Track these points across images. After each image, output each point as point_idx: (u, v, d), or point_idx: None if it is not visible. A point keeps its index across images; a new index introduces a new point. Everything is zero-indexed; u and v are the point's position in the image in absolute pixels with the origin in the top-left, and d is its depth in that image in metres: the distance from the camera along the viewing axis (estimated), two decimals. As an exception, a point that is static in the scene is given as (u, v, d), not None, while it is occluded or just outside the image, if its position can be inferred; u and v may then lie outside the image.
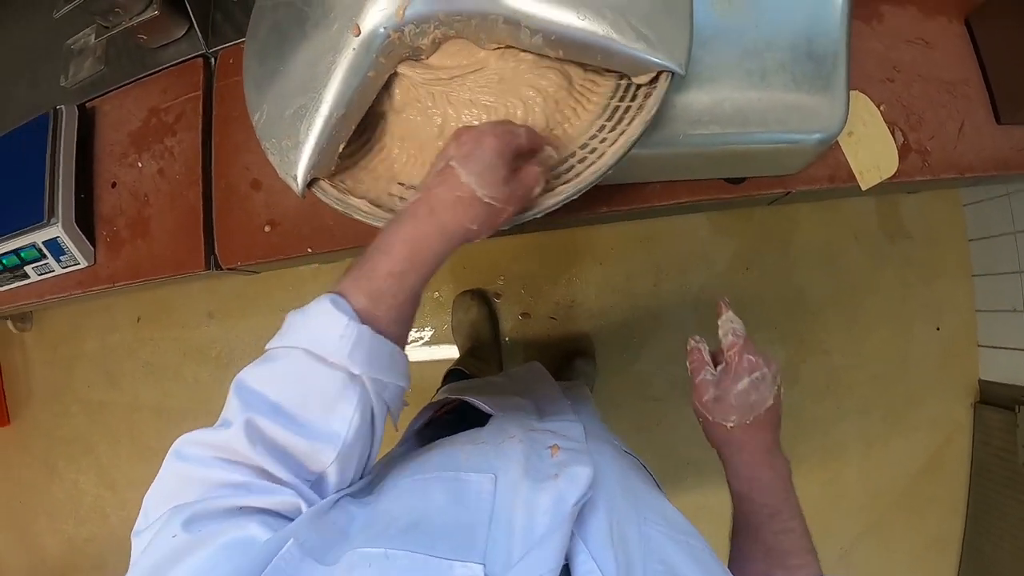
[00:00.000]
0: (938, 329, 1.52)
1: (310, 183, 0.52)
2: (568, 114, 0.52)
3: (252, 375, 0.39)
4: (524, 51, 0.52)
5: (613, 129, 0.50)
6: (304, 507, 0.35)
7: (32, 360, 1.81)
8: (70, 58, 0.99)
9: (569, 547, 0.33)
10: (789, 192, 0.78)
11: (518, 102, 0.52)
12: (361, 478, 0.42)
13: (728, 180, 0.75)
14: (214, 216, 0.86)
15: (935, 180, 0.80)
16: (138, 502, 0.34)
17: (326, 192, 0.53)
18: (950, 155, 0.80)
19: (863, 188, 0.77)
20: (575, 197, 0.49)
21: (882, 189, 0.79)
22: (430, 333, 1.62)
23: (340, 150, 0.52)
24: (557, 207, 0.49)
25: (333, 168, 0.53)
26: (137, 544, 0.33)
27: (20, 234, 0.87)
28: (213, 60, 0.91)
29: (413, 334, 1.62)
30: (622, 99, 0.51)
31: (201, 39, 0.89)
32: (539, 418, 0.57)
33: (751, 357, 0.50)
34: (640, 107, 0.48)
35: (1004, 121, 0.80)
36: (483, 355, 1.48)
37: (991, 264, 1.45)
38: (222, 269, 0.86)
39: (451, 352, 1.59)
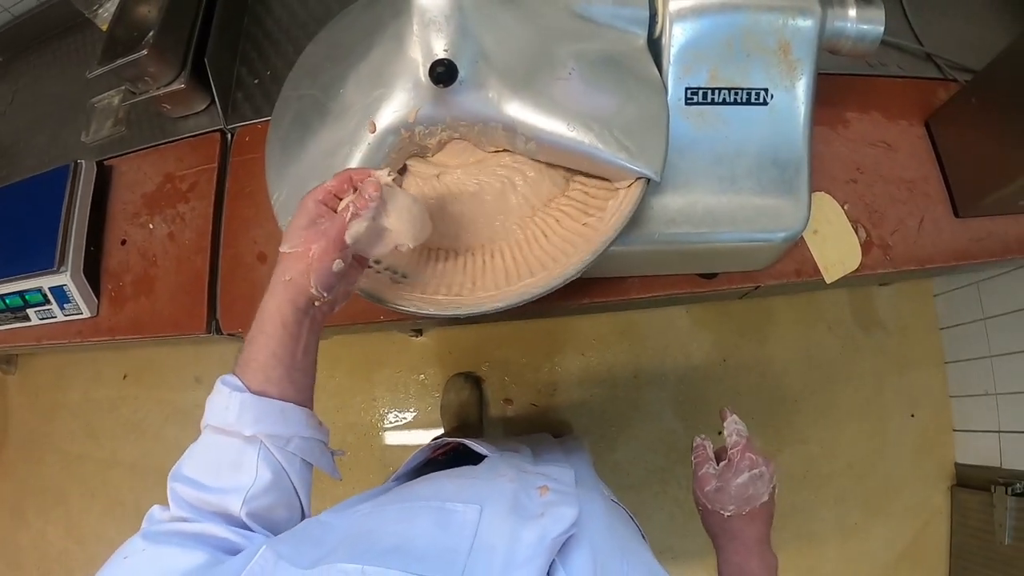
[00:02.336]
0: (913, 416, 1.56)
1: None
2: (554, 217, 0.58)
3: (182, 460, 0.44)
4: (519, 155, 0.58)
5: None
6: (231, 535, 0.39)
7: (12, 405, 1.79)
8: (92, 115, 1.05)
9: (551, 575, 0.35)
10: (758, 286, 0.83)
11: (508, 182, 0.57)
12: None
13: (702, 275, 0.81)
14: (219, 283, 0.90)
15: (897, 272, 0.86)
16: (105, 560, 0.36)
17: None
18: (911, 248, 0.86)
19: (828, 281, 0.83)
20: (560, 285, 0.53)
21: (848, 281, 0.85)
22: (413, 415, 1.64)
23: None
24: (549, 292, 0.53)
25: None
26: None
27: (28, 277, 0.90)
28: (230, 136, 0.97)
29: (395, 416, 1.64)
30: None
31: (221, 115, 0.96)
32: (533, 462, 0.60)
33: (752, 456, 0.56)
34: (617, 209, 0.53)
35: (962, 215, 0.86)
36: (468, 436, 1.50)
37: (962, 351, 1.51)
38: (222, 334, 0.88)
39: (430, 437, 1.61)
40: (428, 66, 0.50)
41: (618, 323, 1.63)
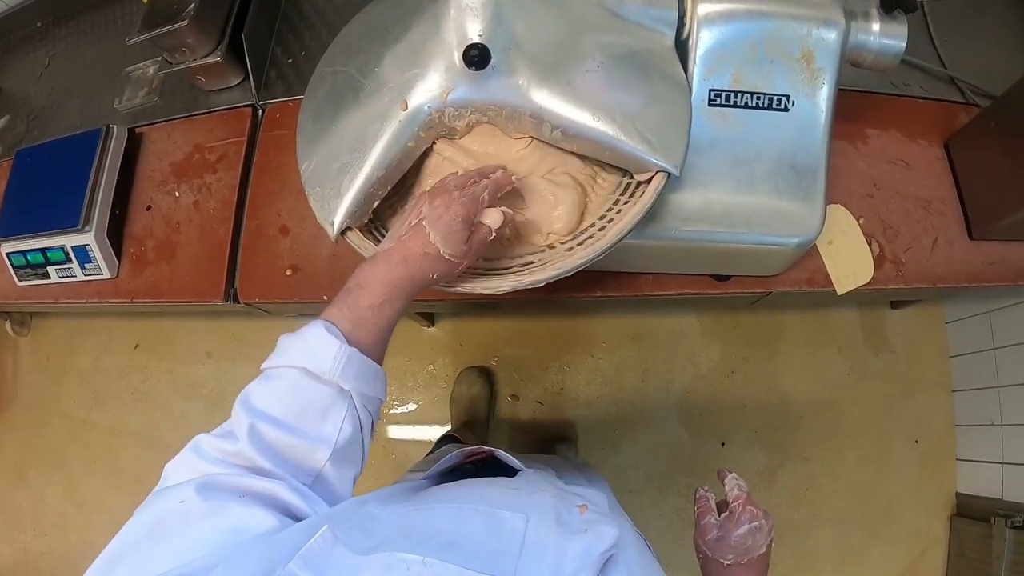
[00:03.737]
0: (917, 442, 1.55)
1: (343, 230, 0.58)
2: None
3: (255, 392, 0.43)
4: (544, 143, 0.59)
5: (611, 219, 0.57)
6: (297, 499, 0.38)
7: (22, 365, 1.82)
8: (126, 84, 1.08)
9: None
10: (770, 292, 0.84)
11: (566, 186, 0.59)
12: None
13: (714, 277, 0.82)
14: (240, 253, 0.92)
15: (908, 289, 0.87)
16: (102, 526, 0.37)
17: (355, 240, 0.58)
18: (923, 267, 0.86)
19: (839, 292, 0.84)
20: (576, 271, 0.55)
21: (859, 297, 0.85)
22: (419, 405, 1.64)
23: (375, 205, 0.59)
24: (560, 277, 0.55)
25: (366, 220, 0.59)
26: (147, 503, 0.36)
27: (52, 234, 0.93)
28: (260, 112, 1.00)
29: (401, 405, 1.65)
30: (623, 193, 0.59)
31: (254, 90, 0.98)
32: (564, 482, 0.60)
33: (753, 509, 0.58)
34: (637, 200, 0.55)
35: (976, 237, 0.87)
36: (475, 431, 1.51)
37: (970, 380, 1.50)
38: (239, 303, 0.90)
39: (432, 432, 1.62)
40: (462, 49, 0.52)
41: (629, 327, 1.63)
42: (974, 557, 1.33)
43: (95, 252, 0.91)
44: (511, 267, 0.58)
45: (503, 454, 0.63)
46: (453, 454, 0.75)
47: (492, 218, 0.53)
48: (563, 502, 0.46)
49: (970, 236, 0.87)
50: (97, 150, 0.92)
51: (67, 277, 0.95)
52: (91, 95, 1.11)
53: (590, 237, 0.57)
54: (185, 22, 0.83)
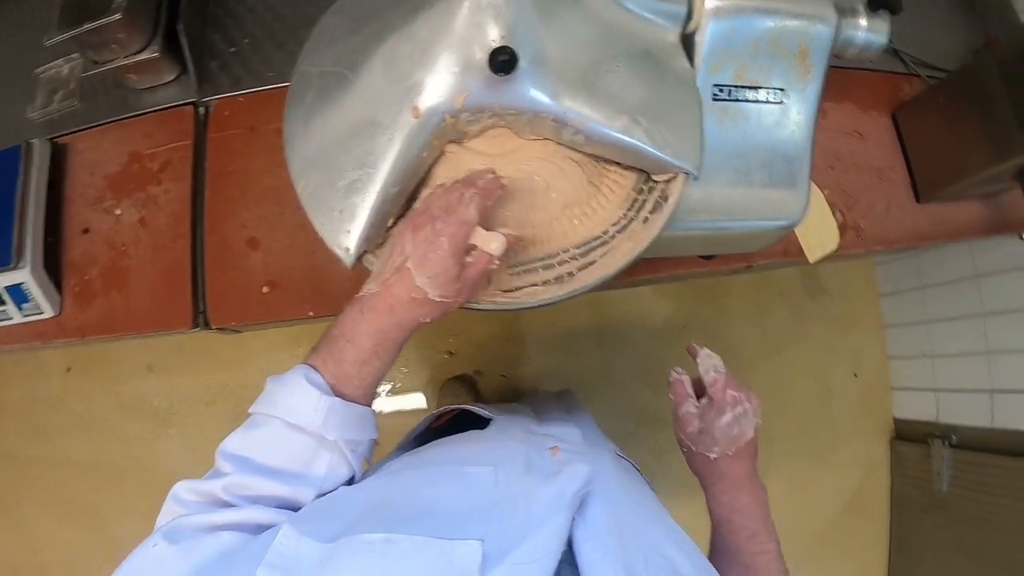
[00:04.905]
0: (855, 376, 1.72)
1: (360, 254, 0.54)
2: (595, 204, 0.58)
3: (235, 442, 0.42)
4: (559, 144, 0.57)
5: (631, 221, 0.57)
6: (273, 516, 0.38)
7: (-53, 407, 1.61)
8: (37, 87, 0.93)
9: (571, 534, 0.35)
10: (751, 266, 0.89)
11: (556, 169, 0.56)
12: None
13: (701, 256, 0.85)
14: (204, 273, 0.83)
15: (867, 252, 0.94)
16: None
17: (373, 263, 0.55)
18: (879, 231, 0.94)
19: (811, 261, 0.89)
20: (601, 283, 0.55)
21: (827, 260, 0.92)
22: (381, 390, 1.62)
23: (389, 224, 0.55)
24: (592, 289, 0.54)
25: (381, 240, 0.55)
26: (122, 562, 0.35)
27: (-20, 276, 0.80)
28: (204, 110, 0.90)
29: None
30: (640, 191, 0.59)
31: (196, 86, 0.88)
32: (538, 423, 0.58)
33: (734, 393, 0.54)
34: (659, 206, 0.55)
35: (923, 200, 0.95)
36: None
37: (900, 316, 1.67)
38: (211, 328, 0.83)
39: (406, 405, 1.62)
40: (488, 52, 0.48)
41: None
42: (915, 476, 1.51)
43: (33, 290, 0.80)
44: (526, 272, 0.56)
45: (473, 407, 0.62)
46: (424, 418, 0.74)
47: (493, 244, 0.46)
48: (533, 447, 0.46)
49: (917, 200, 0.96)
50: (19, 173, 0.80)
51: (3, 320, 0.83)
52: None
53: (604, 242, 0.56)
54: (118, 15, 0.72)
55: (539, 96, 0.51)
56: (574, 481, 0.39)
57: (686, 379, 0.58)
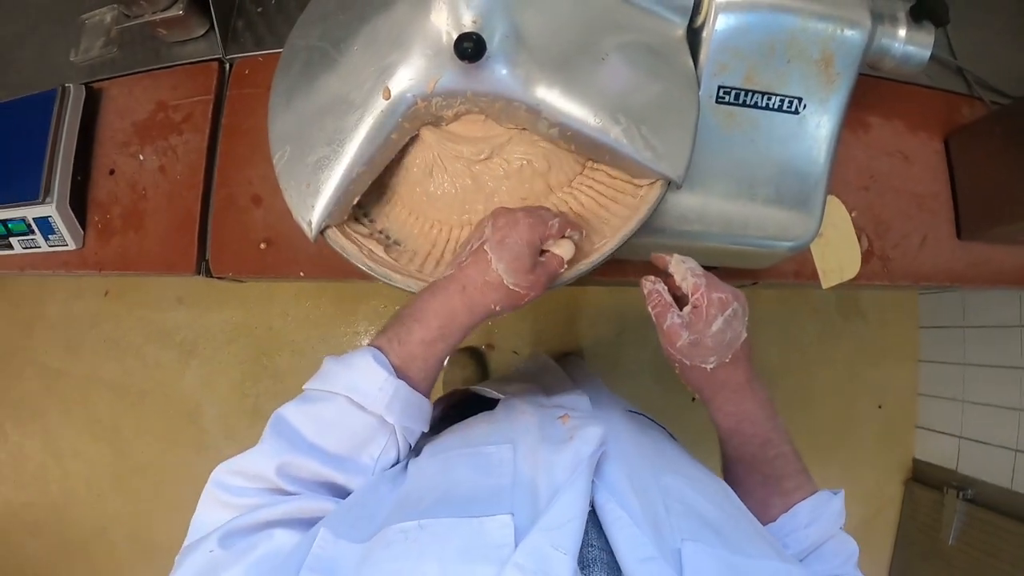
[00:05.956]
0: (880, 407, 1.62)
1: (323, 229, 0.55)
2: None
3: (292, 413, 0.42)
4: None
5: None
6: (324, 504, 0.38)
7: (-8, 316, 1.77)
8: (82, 33, 0.98)
9: (592, 495, 0.35)
10: (756, 282, 0.84)
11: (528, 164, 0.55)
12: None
13: (703, 266, 0.81)
14: (211, 224, 0.87)
15: (892, 286, 0.87)
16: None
17: (334, 240, 0.55)
18: (910, 264, 0.86)
19: (824, 287, 0.83)
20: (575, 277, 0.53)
21: (842, 287, 0.85)
22: None
23: (354, 202, 0.55)
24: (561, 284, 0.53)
25: (346, 217, 0.55)
26: (178, 562, 0.36)
27: (11, 207, 0.86)
28: (228, 66, 0.92)
29: None
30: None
31: (220, 44, 0.90)
32: (546, 396, 0.58)
33: (720, 295, 0.49)
34: (631, 215, 0.52)
35: (964, 237, 0.86)
36: None
37: (938, 353, 1.55)
38: (212, 276, 0.86)
39: None
40: (455, 38, 0.47)
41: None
42: (924, 522, 1.42)
43: (58, 224, 0.86)
44: None
45: (480, 388, 0.62)
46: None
47: (564, 248, 0.49)
48: (545, 418, 0.46)
49: (958, 236, 0.87)
50: (53, 114, 0.84)
51: (31, 248, 0.89)
52: (44, 45, 1.00)
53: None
54: (143, -30, 0.74)
55: (510, 84, 0.50)
56: (588, 444, 0.39)
57: (661, 287, 0.52)
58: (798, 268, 0.84)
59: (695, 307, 0.49)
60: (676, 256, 0.52)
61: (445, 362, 0.48)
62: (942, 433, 1.47)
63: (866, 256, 0.85)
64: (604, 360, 1.62)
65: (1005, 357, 1.27)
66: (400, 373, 0.44)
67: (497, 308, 0.47)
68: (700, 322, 0.48)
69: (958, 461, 1.38)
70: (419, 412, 0.45)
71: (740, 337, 0.49)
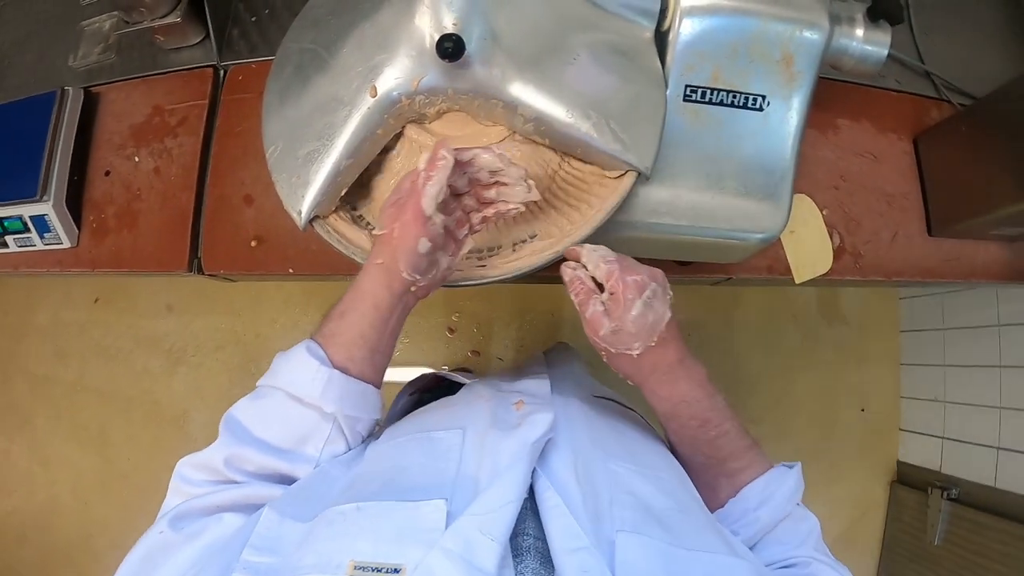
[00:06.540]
0: (863, 410, 1.65)
1: (311, 219, 0.57)
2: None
3: (240, 410, 0.44)
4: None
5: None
6: (272, 491, 0.39)
7: (-20, 324, 1.77)
8: (81, 39, 1.01)
9: (533, 482, 0.35)
10: (730, 278, 0.87)
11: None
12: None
13: (678, 262, 0.83)
14: (203, 223, 0.89)
15: (864, 281, 0.90)
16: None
17: (323, 229, 0.58)
18: (881, 260, 0.89)
19: (797, 281, 0.86)
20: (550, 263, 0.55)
21: (815, 283, 0.88)
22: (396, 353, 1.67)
23: (342, 194, 0.58)
24: (530, 271, 0.56)
25: (333, 208, 0.58)
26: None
27: (9, 205, 0.88)
28: (222, 73, 0.95)
29: None
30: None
31: (215, 51, 0.93)
32: (511, 381, 0.58)
33: (635, 277, 0.47)
34: (602, 204, 0.55)
35: (935, 234, 0.90)
36: None
37: (919, 356, 1.58)
38: (204, 274, 0.89)
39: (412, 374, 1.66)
40: (436, 39, 0.50)
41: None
42: (910, 523, 1.44)
43: (54, 222, 0.88)
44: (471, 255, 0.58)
45: (446, 373, 0.63)
46: (400, 393, 0.75)
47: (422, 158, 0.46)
48: (500, 404, 0.46)
49: (929, 232, 0.90)
50: (52, 115, 0.87)
51: (26, 246, 0.91)
52: (44, 50, 1.04)
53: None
54: (143, -21, 0.77)
55: (488, 82, 0.53)
56: (534, 430, 0.39)
57: (582, 273, 0.50)
58: (771, 263, 0.86)
59: (612, 294, 0.47)
60: (587, 246, 0.51)
61: (394, 348, 0.49)
62: (925, 434, 1.50)
63: (838, 252, 0.88)
64: (588, 366, 1.64)
65: (984, 357, 1.30)
66: (337, 363, 0.44)
67: (380, 261, 0.46)
68: (618, 308, 0.46)
69: (941, 461, 1.40)
70: (362, 400, 0.45)
71: (663, 318, 0.47)
